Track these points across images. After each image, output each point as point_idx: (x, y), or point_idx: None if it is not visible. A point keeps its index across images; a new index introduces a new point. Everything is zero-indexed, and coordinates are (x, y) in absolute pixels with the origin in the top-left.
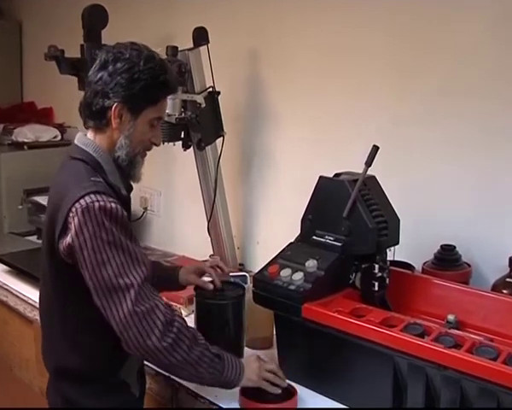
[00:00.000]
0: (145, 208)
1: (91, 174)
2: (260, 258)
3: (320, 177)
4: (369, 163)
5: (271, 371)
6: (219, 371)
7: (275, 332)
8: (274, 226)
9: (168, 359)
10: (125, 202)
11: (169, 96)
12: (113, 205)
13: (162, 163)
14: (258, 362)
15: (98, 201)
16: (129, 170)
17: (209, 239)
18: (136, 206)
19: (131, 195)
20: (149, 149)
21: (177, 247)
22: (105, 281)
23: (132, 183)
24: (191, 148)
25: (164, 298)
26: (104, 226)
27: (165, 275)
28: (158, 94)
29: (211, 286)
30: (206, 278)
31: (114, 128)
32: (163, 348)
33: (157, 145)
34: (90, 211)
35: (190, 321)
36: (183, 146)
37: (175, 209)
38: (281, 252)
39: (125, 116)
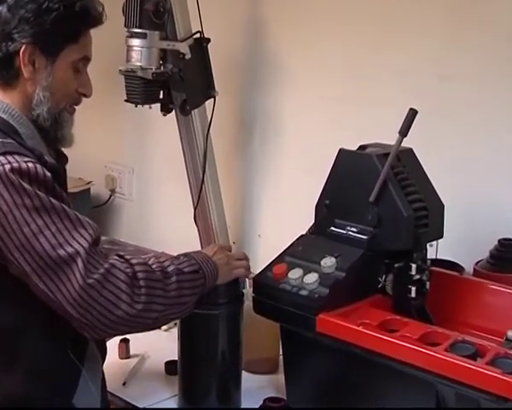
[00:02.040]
0: (112, 191)
1: None
2: (262, 255)
3: (340, 150)
4: (404, 132)
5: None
6: (203, 284)
7: (281, 352)
8: (280, 215)
9: (149, 317)
10: (54, 173)
11: (139, 44)
12: (31, 165)
13: (135, 132)
14: (222, 252)
15: (10, 162)
16: (55, 132)
17: (196, 231)
18: (100, 187)
19: (68, 170)
20: (78, 103)
21: (155, 241)
22: (42, 257)
23: (63, 148)
24: (173, 112)
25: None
26: (25, 190)
27: None
28: (77, 26)
29: None
30: None
31: (27, 79)
32: (138, 311)
33: (87, 96)
34: (2, 176)
35: (172, 339)
36: (162, 109)
37: (152, 192)
38: (289, 247)
39: (39, 61)
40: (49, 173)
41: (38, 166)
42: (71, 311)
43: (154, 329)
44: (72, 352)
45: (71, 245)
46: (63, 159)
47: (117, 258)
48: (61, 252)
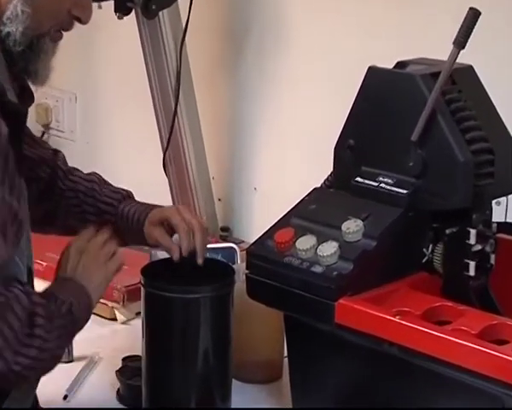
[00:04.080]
0: (46, 126)
1: None
2: (259, 216)
3: (370, 69)
4: (461, 43)
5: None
6: (74, 322)
7: (286, 352)
8: (284, 160)
9: (26, 376)
10: (14, 116)
11: None
12: None
13: (77, 43)
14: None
15: None
16: (25, 62)
17: (166, 183)
18: (28, 121)
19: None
20: (68, 29)
21: None
22: None
23: (33, 85)
24: (132, 13)
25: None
26: None
27: (127, 227)
28: None
29: (176, 254)
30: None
31: None
32: (21, 368)
33: (82, 22)
34: None
35: (133, 334)
36: (116, 10)
37: (101, 128)
38: (297, 206)
39: None
40: (5, 130)
41: None
42: None
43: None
44: None
45: None
46: (28, 100)
47: (19, 288)
48: None
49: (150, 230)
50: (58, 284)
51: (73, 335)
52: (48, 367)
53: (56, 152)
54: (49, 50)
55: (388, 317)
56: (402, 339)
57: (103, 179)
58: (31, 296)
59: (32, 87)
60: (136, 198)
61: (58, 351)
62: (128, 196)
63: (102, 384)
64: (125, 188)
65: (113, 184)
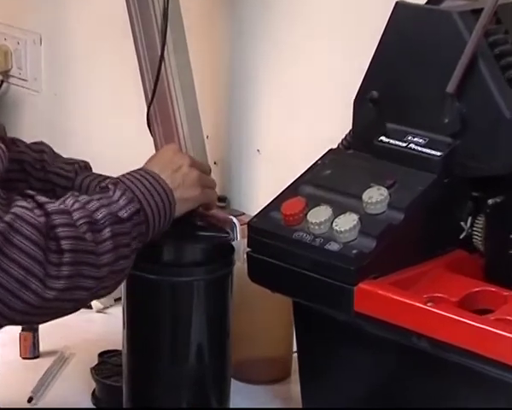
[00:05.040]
0: (5, 73)
1: None
2: (263, 183)
3: (397, 4)
4: None
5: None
6: (143, 233)
7: (295, 347)
8: (292, 116)
9: (71, 300)
10: None
11: None
12: None
13: None
14: (183, 157)
15: None
16: None
17: (151, 143)
18: None
19: None
20: None
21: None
22: None
23: None
24: None
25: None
26: None
27: None
28: None
29: None
30: None
31: None
32: (57, 292)
33: None
34: None
35: (111, 324)
36: None
37: (73, 76)
38: (309, 171)
39: None
40: None
41: None
42: None
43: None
44: None
45: None
46: None
47: (23, 204)
48: None
49: None
50: (134, 173)
51: (141, 239)
52: (106, 289)
53: None
54: None
55: (418, 304)
56: (434, 331)
57: (53, 150)
58: (39, 209)
59: None
60: (113, 159)
61: (117, 265)
62: (85, 166)
63: (75, 385)
64: (101, 147)
65: (83, 142)
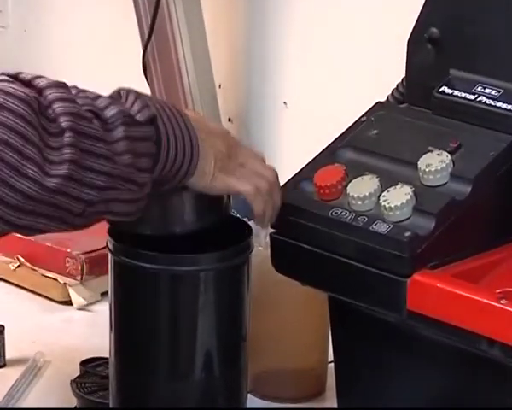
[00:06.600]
0: None
1: None
2: (291, 146)
3: None
4: None
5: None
6: (153, 154)
7: (331, 356)
8: (329, 59)
9: (78, 198)
10: None
11: None
12: None
13: None
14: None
15: None
16: None
17: (148, 92)
18: None
19: None
20: None
21: None
22: None
23: None
24: None
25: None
26: None
27: None
28: None
29: None
30: None
31: None
32: (61, 179)
33: None
34: None
35: (94, 325)
36: None
37: (47, 10)
38: (350, 130)
39: None
40: None
41: None
42: None
43: (80, 228)
44: None
45: None
46: None
47: (6, 77)
48: None
49: None
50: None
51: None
52: (124, 203)
53: None
54: None
55: (489, 301)
56: (508, 335)
57: None
58: (31, 82)
59: None
60: None
61: (136, 173)
62: None
63: (50, 401)
64: None
65: None
